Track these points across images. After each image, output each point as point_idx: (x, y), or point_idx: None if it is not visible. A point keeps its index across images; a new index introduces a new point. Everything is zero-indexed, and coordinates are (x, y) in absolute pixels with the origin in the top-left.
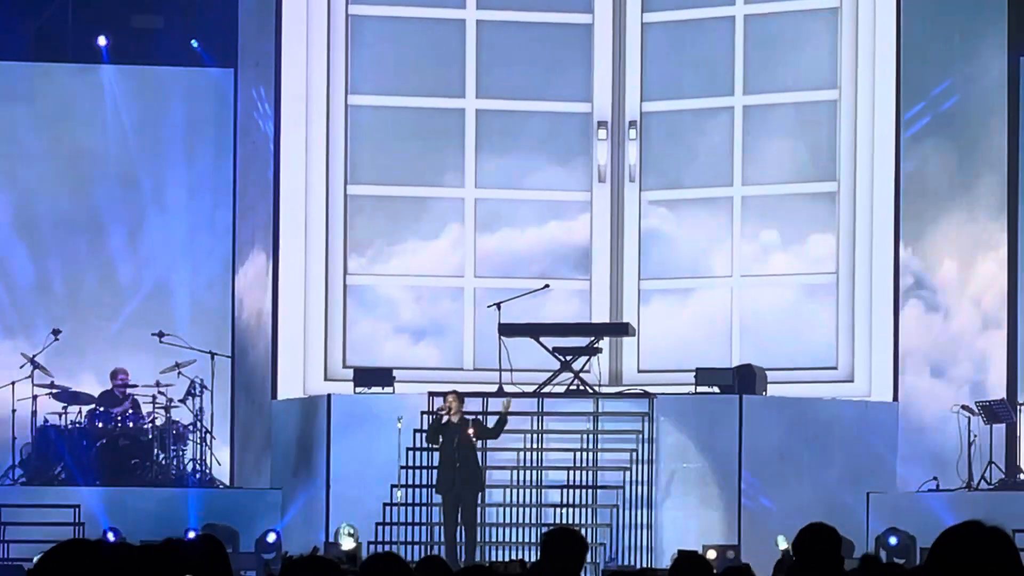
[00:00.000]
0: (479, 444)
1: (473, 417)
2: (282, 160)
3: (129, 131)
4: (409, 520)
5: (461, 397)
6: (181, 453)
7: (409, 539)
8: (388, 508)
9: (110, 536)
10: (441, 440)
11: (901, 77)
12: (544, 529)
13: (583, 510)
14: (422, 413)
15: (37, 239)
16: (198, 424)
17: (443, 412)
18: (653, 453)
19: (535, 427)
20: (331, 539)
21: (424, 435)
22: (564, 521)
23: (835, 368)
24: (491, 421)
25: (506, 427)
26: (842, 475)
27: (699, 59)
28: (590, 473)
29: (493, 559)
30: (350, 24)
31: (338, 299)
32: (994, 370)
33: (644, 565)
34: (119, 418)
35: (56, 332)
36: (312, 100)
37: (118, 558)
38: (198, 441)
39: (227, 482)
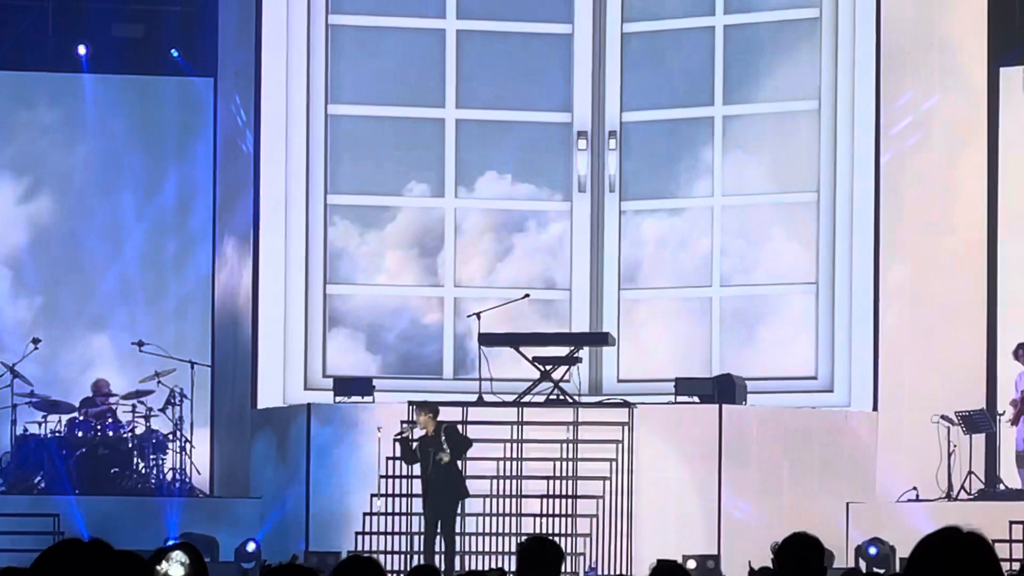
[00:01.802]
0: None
1: (447, 424)
2: (262, 169)
3: (109, 140)
4: (389, 529)
5: (432, 410)
6: (161, 462)
7: (389, 548)
8: (368, 517)
9: None
10: (419, 455)
11: (881, 87)
12: (521, 541)
13: (563, 519)
14: (402, 422)
15: (16, 248)
16: (178, 433)
17: (405, 433)
18: (633, 463)
19: (515, 436)
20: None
21: (402, 455)
22: (544, 530)
23: (815, 378)
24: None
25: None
26: (822, 485)
27: (679, 69)
28: (570, 482)
29: (473, 568)
30: (330, 33)
31: (318, 308)
32: (973, 380)
33: (623, 574)
34: (99, 427)
35: (36, 341)
36: (292, 109)
37: (124, 561)
38: (178, 450)
39: (207, 491)
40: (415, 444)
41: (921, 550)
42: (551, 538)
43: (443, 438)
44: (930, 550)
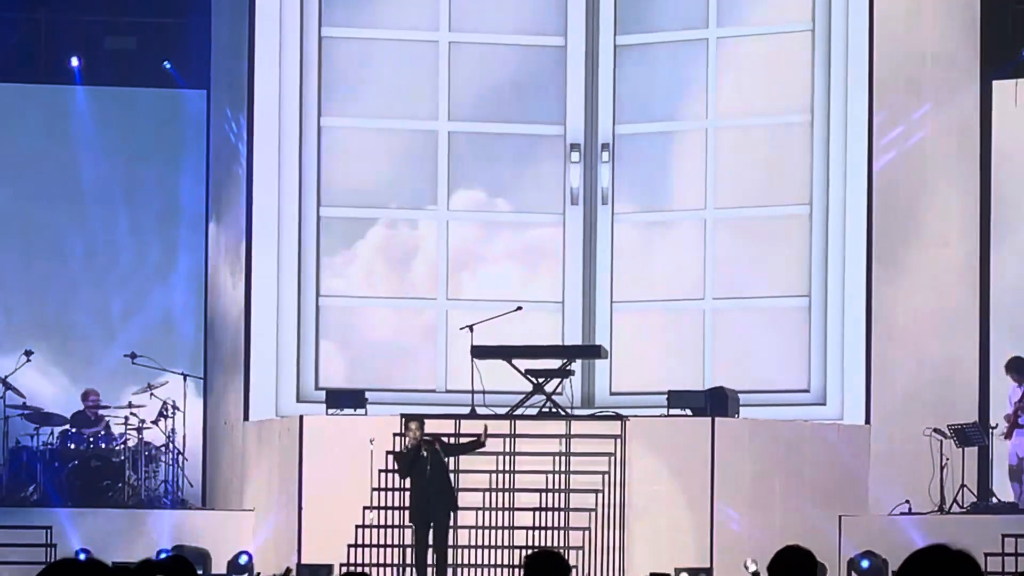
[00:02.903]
0: (451, 465)
1: (435, 437)
2: (255, 181)
3: (101, 152)
4: (381, 542)
5: (421, 423)
6: (153, 474)
7: (381, 561)
8: (360, 530)
9: (81, 558)
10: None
11: (874, 100)
12: (516, 552)
13: (555, 532)
14: (394, 435)
15: (7, 259)
16: (170, 445)
17: (410, 444)
18: (625, 476)
19: (507, 449)
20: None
21: (397, 467)
22: (536, 543)
23: (807, 391)
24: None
25: (478, 451)
26: (814, 498)
27: (672, 81)
28: (562, 495)
29: None
30: (323, 45)
31: (310, 321)
32: (966, 393)
33: None
34: (91, 439)
35: (28, 353)
36: (285, 121)
37: None
38: (170, 462)
39: (199, 503)
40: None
41: (909, 566)
42: (558, 551)
43: (439, 448)
44: (918, 566)
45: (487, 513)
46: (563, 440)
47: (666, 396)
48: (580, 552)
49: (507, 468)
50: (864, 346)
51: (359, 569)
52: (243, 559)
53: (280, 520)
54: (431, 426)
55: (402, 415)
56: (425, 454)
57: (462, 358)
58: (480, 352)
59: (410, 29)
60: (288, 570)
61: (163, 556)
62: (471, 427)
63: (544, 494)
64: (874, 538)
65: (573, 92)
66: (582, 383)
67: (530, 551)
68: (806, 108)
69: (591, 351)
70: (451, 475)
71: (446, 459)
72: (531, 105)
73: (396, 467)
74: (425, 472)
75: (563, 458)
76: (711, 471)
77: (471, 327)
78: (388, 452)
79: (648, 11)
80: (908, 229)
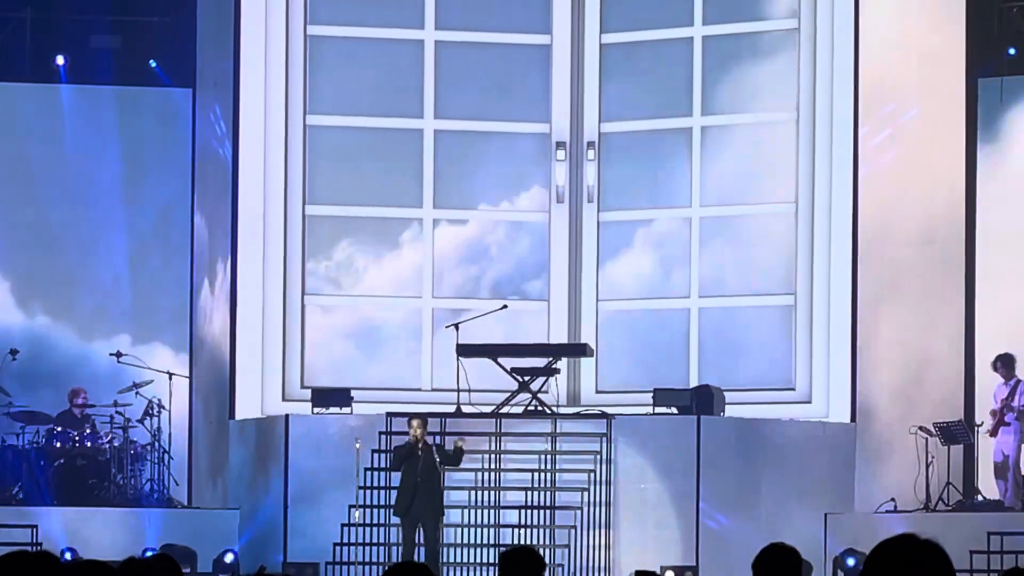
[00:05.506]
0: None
1: (435, 443)
2: (240, 180)
3: (86, 151)
4: (367, 541)
5: (424, 421)
6: (139, 473)
7: (367, 560)
8: (346, 529)
9: (67, 556)
10: (404, 465)
11: (859, 98)
12: (503, 550)
13: (541, 531)
14: (380, 434)
15: None
16: (156, 444)
17: (412, 442)
18: (611, 474)
19: (493, 448)
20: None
21: (390, 459)
22: (523, 541)
23: (793, 389)
24: (449, 445)
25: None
26: (800, 496)
27: (657, 80)
28: (548, 494)
29: None
30: (308, 44)
31: (296, 319)
32: (951, 391)
33: None
34: (76, 438)
35: (14, 352)
36: (270, 120)
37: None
38: (156, 461)
39: (185, 502)
40: (405, 451)
41: (877, 555)
42: (533, 547)
43: (435, 452)
44: (886, 556)
45: (473, 511)
46: (549, 438)
47: (652, 394)
48: (566, 550)
49: (493, 466)
50: (850, 344)
51: (346, 569)
52: (229, 558)
53: (266, 518)
54: None
55: (388, 413)
56: (420, 454)
57: (448, 356)
58: (465, 350)
59: (396, 27)
60: (262, 568)
61: (149, 554)
62: (457, 426)
63: (530, 492)
64: (860, 536)
65: (559, 90)
66: (568, 381)
67: (505, 548)
68: (792, 106)
69: (577, 349)
70: (441, 479)
71: (440, 465)
72: (517, 103)
73: (390, 460)
74: (416, 472)
75: (549, 456)
76: (697, 469)
77: (456, 325)
78: (374, 451)
79: (634, 9)
80: (894, 226)
